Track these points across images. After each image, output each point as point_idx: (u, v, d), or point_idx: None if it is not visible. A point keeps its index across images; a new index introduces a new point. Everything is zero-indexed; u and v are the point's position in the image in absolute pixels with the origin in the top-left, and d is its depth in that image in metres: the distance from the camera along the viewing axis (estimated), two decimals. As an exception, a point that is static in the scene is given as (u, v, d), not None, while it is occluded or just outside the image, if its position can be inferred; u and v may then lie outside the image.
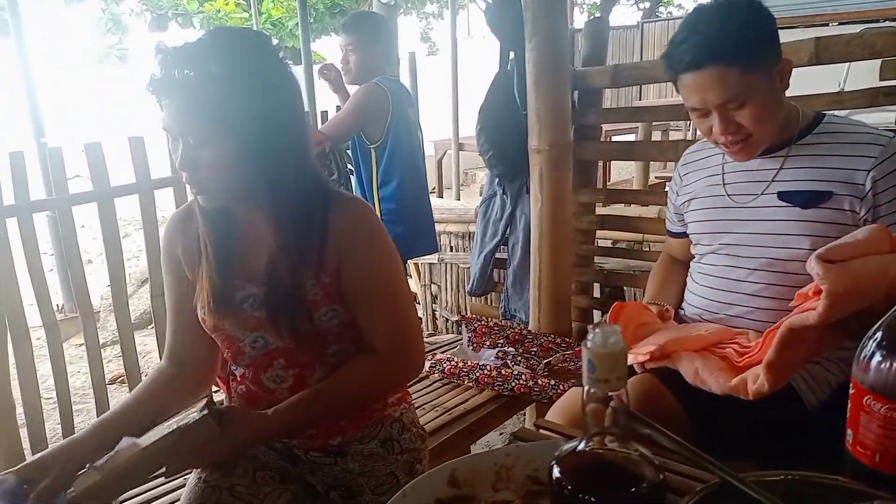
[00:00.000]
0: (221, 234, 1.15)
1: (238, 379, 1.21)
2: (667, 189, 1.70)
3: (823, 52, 1.62)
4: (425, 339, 4.00)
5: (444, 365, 1.95)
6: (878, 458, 0.72)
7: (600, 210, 2.12)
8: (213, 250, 1.14)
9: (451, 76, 5.64)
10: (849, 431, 0.76)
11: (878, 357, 0.73)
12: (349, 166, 2.65)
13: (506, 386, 1.87)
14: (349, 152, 2.76)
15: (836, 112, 1.42)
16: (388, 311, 1.13)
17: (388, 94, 2.55)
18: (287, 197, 1.09)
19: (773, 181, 1.35)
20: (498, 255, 2.35)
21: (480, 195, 2.54)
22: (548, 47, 1.89)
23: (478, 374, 1.90)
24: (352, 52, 2.57)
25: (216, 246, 1.14)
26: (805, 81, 1.61)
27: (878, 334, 0.74)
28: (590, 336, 0.64)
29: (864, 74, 1.67)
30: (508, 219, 2.26)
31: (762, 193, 1.36)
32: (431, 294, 4.24)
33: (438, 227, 3.79)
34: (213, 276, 1.13)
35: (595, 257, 2.14)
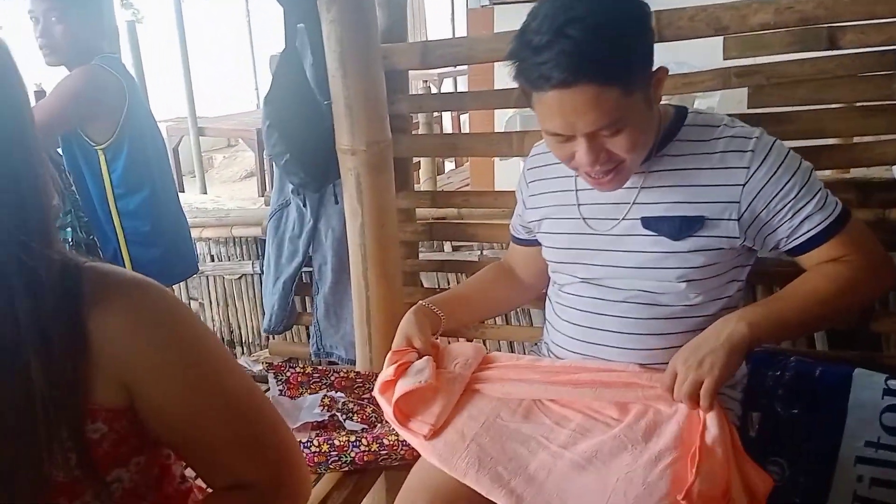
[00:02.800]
0: None
1: None
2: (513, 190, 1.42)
3: (666, 28, 1.44)
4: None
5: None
6: None
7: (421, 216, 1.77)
8: None
9: (178, 47, 4.77)
10: None
11: None
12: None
13: (344, 460, 1.43)
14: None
15: (698, 106, 1.24)
16: (248, 434, 0.70)
17: (122, 81, 1.89)
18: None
19: (633, 203, 1.12)
20: (300, 279, 1.88)
21: (268, 195, 2.03)
22: (353, 19, 1.45)
23: (304, 455, 1.44)
24: (56, 21, 1.83)
25: None
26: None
27: None
28: None
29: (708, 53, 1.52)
30: (310, 234, 1.79)
31: (623, 219, 1.13)
32: (192, 313, 3.55)
33: (193, 234, 3.14)
34: None
35: (421, 273, 1.79)
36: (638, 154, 1.06)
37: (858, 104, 1.35)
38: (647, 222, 1.11)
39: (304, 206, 1.76)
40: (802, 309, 1.06)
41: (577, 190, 1.19)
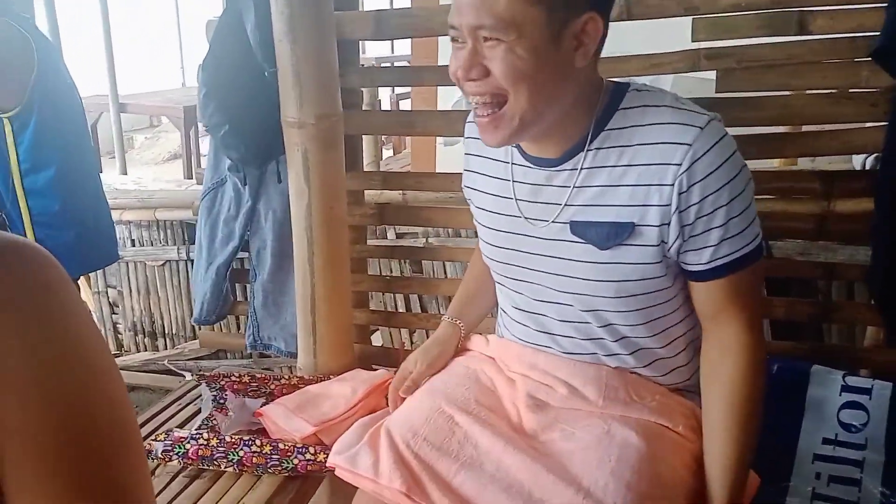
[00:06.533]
0: None
1: None
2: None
3: (635, 6, 1.38)
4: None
5: (188, 446, 1.30)
6: None
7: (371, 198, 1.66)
8: None
9: (100, 15, 4.43)
10: None
11: None
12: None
13: (286, 465, 1.30)
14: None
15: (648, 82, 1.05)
16: (97, 479, 0.49)
17: (31, 41, 1.69)
18: None
19: (566, 205, 0.99)
20: (235, 265, 1.72)
21: (198, 174, 1.86)
22: (303, -22, 1.32)
23: (242, 454, 1.30)
24: None
25: None
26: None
27: None
28: None
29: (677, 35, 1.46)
30: (248, 215, 1.64)
31: (553, 221, 1.00)
32: (109, 302, 3.29)
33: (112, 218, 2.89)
34: None
35: (369, 259, 1.67)
36: (522, 97, 0.89)
37: (826, 91, 1.32)
38: (576, 228, 0.98)
39: (244, 184, 1.61)
40: (751, 437, 0.96)
41: (513, 180, 1.05)
